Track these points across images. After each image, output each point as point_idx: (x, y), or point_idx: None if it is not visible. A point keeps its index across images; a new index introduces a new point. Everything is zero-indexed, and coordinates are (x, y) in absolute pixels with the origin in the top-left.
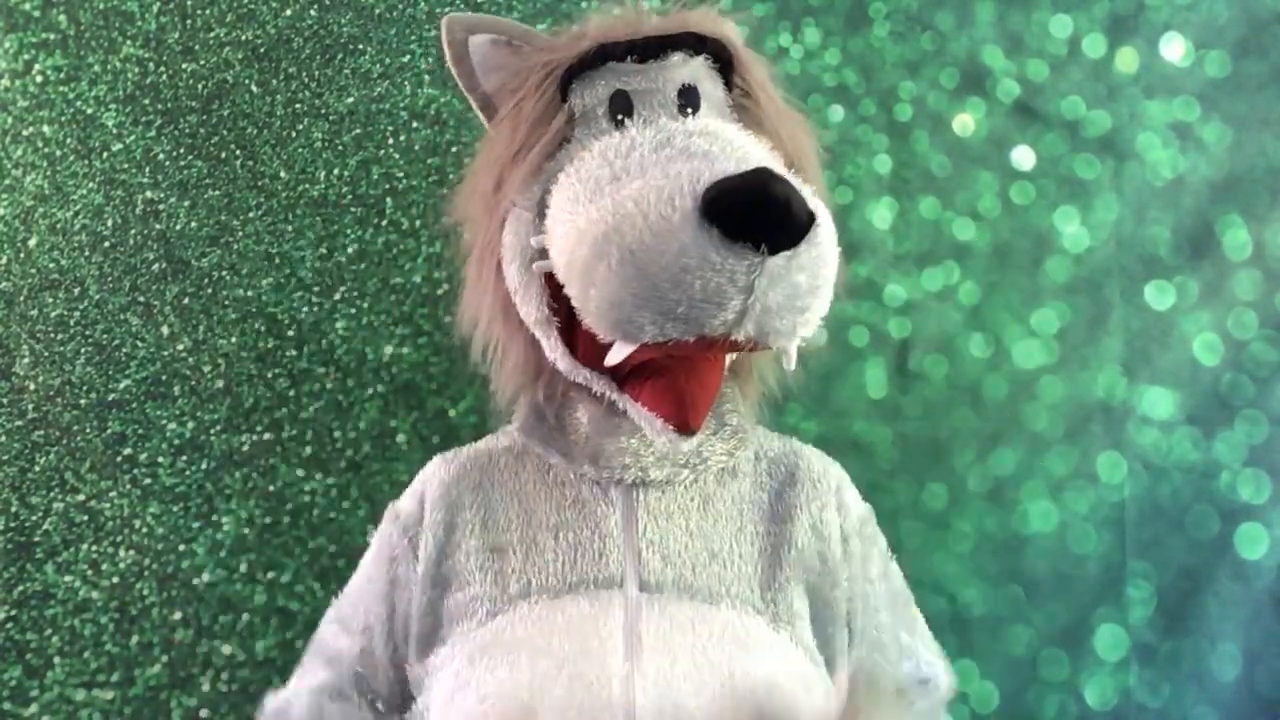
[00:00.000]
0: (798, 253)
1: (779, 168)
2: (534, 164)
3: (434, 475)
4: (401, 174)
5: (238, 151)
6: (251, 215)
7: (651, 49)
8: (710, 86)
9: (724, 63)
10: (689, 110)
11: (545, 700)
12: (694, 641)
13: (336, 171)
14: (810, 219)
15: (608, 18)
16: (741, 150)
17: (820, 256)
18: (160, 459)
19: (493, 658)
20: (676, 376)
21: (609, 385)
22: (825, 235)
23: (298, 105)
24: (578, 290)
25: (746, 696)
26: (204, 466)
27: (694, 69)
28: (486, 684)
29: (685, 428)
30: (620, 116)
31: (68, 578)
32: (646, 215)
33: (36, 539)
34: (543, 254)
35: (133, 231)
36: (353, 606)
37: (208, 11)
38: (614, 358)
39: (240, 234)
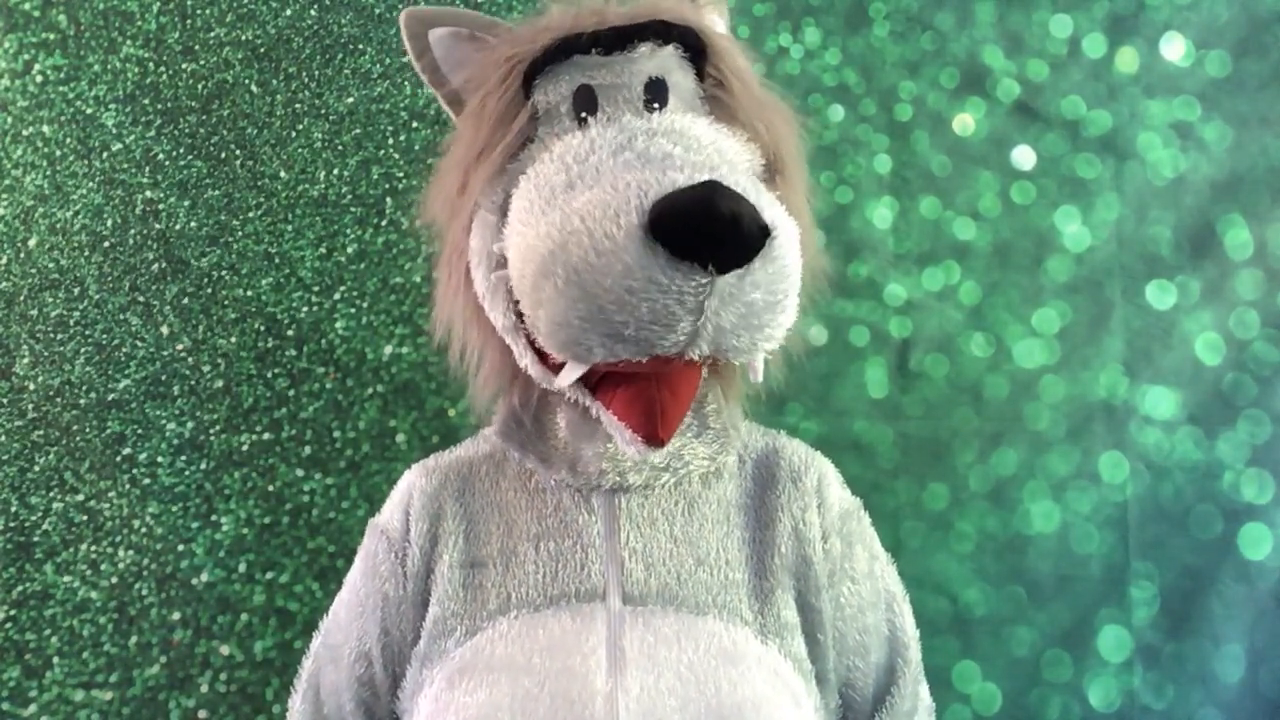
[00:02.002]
0: (751, 270)
1: (739, 176)
2: (497, 164)
3: (416, 485)
4: (401, 174)
5: (238, 151)
6: (251, 215)
7: (616, 40)
8: (680, 78)
9: (696, 51)
10: (656, 106)
11: None
12: (679, 656)
13: (336, 171)
14: (763, 234)
15: (572, 6)
16: (707, 153)
17: (778, 271)
18: (160, 459)
19: (472, 679)
20: (648, 384)
21: (581, 392)
22: (784, 248)
23: (298, 105)
24: (528, 308)
25: (733, 713)
26: (203, 466)
27: (662, 60)
28: (466, 707)
29: (654, 439)
30: (583, 114)
31: (67, 578)
32: (592, 233)
33: (36, 539)
34: (505, 261)
35: (133, 231)
36: (344, 633)
37: (208, 11)
38: (564, 379)
39: (240, 234)
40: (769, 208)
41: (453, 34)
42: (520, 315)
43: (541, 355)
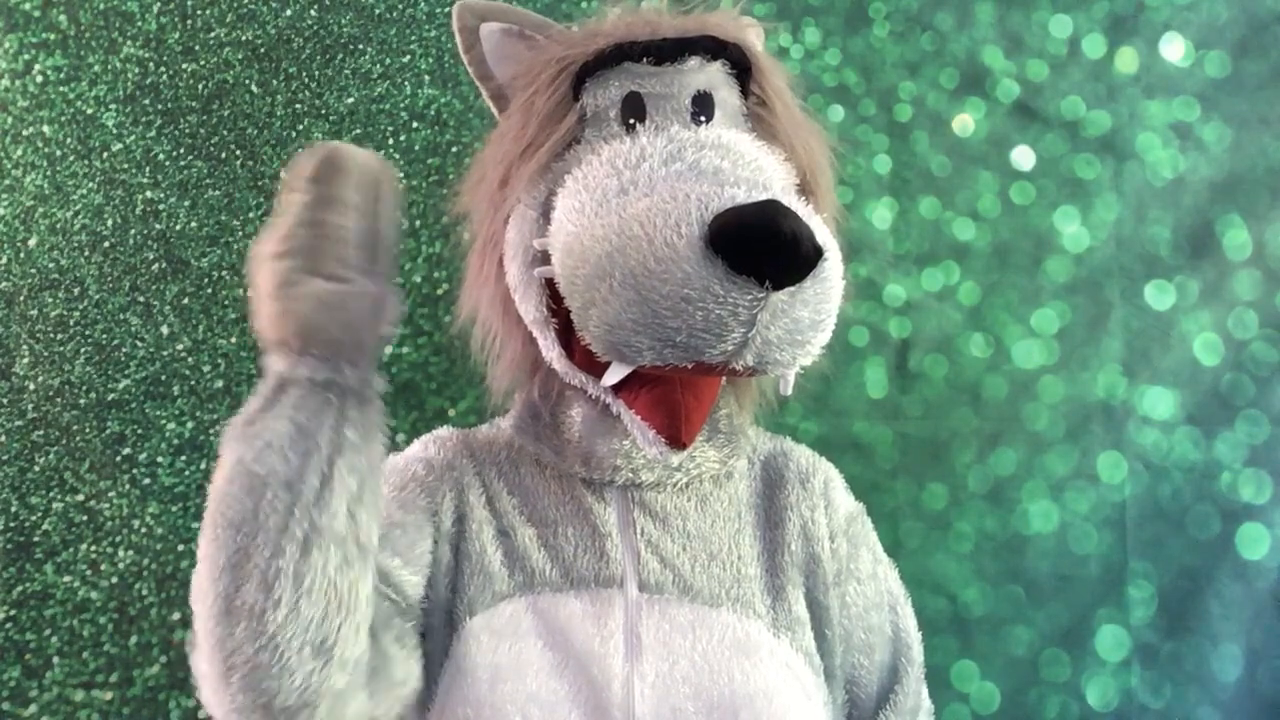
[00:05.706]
0: (802, 288)
1: (789, 197)
2: (542, 162)
3: (447, 439)
4: (401, 174)
5: (238, 151)
6: (251, 215)
7: (668, 51)
8: (726, 93)
9: (742, 69)
10: (702, 118)
11: (551, 694)
12: (694, 645)
13: None
14: (818, 255)
15: (626, 15)
16: (752, 169)
17: (825, 292)
18: (160, 459)
19: (502, 640)
20: (673, 387)
21: (604, 389)
22: (831, 269)
23: (298, 105)
24: (578, 307)
25: (745, 703)
26: (204, 466)
27: (710, 75)
28: (494, 668)
29: (677, 441)
30: (632, 121)
31: (67, 578)
32: (651, 239)
33: (36, 539)
34: (545, 258)
35: (133, 231)
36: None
37: (208, 11)
38: (610, 378)
39: (240, 234)
40: (820, 230)
41: (504, 30)
42: (553, 310)
43: (568, 350)
